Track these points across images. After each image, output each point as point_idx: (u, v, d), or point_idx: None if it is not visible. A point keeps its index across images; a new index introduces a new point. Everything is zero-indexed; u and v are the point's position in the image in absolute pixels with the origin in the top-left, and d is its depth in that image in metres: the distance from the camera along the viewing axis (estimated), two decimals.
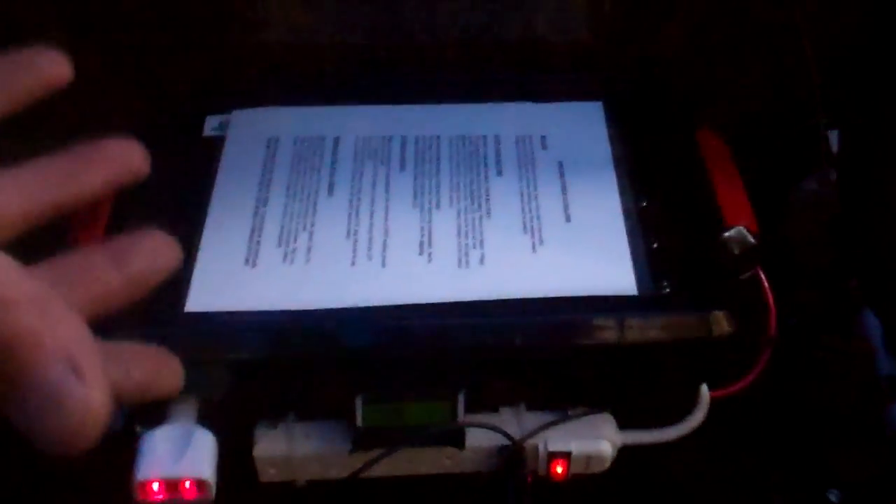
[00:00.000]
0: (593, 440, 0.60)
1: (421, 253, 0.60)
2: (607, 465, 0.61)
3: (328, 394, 0.58)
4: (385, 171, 0.65)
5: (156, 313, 0.56)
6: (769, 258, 0.62)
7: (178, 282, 0.58)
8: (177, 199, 0.64)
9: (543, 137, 0.68)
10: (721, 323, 0.57)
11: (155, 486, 0.55)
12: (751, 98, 0.70)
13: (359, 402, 0.57)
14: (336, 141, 0.67)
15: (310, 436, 0.59)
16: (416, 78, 0.72)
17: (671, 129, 0.68)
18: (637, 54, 0.71)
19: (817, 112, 0.66)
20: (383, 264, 0.60)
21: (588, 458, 0.60)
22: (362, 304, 0.57)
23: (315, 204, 0.63)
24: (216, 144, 0.67)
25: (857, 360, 0.64)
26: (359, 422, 0.57)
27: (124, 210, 0.63)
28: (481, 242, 0.61)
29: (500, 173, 0.65)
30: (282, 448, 0.59)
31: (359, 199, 0.63)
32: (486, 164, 0.66)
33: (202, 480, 0.55)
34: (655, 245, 0.61)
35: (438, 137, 0.68)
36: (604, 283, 0.59)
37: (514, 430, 0.60)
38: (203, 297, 0.58)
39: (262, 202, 0.63)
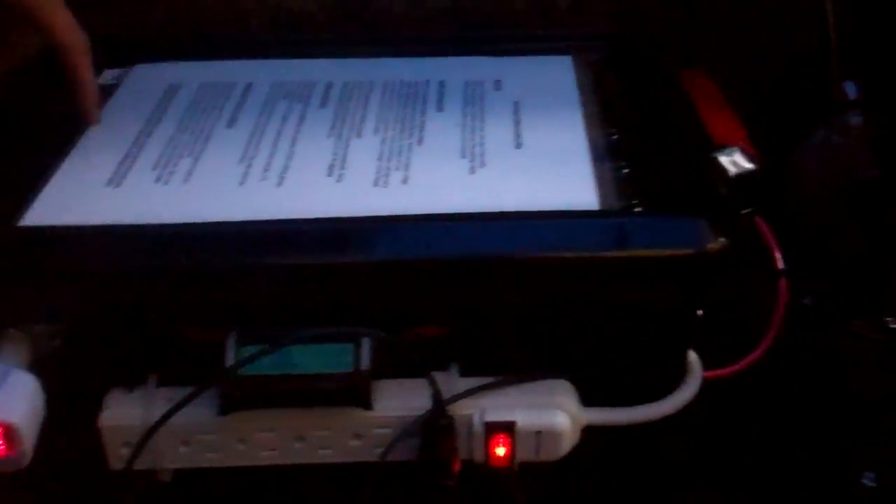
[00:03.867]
0: (546, 410, 0.46)
1: (330, 174, 0.48)
2: (565, 448, 0.46)
3: (196, 334, 0.45)
4: (301, 108, 0.54)
5: None
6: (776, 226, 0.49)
7: (22, 198, 0.47)
8: (44, 130, 0.53)
9: (498, 81, 0.57)
10: (704, 232, 0.43)
11: None
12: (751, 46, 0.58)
13: (231, 341, 0.43)
14: (248, 87, 0.56)
15: (174, 401, 0.45)
16: (355, 35, 0.62)
17: (650, 74, 0.57)
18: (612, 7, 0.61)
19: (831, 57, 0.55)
20: (279, 184, 0.48)
21: (539, 437, 0.45)
22: (241, 217, 0.45)
23: (209, 136, 0.52)
24: (109, 92, 0.57)
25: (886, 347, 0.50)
26: (229, 361, 0.43)
27: None
28: (406, 165, 0.49)
29: (440, 109, 0.54)
30: (136, 417, 0.45)
31: (262, 132, 0.52)
32: (424, 102, 0.54)
33: (10, 426, 0.41)
34: (626, 170, 0.48)
35: (371, 82, 0.57)
36: (558, 199, 0.46)
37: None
38: (45, 212, 0.46)
39: (146, 134, 0.52)
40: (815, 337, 0.52)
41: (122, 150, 0.50)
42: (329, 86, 0.56)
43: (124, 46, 0.60)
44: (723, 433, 0.48)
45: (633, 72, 0.57)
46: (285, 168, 0.48)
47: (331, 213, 0.45)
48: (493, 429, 0.45)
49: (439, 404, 0.43)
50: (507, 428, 0.45)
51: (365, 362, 0.44)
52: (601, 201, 0.46)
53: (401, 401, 0.45)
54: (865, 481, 0.45)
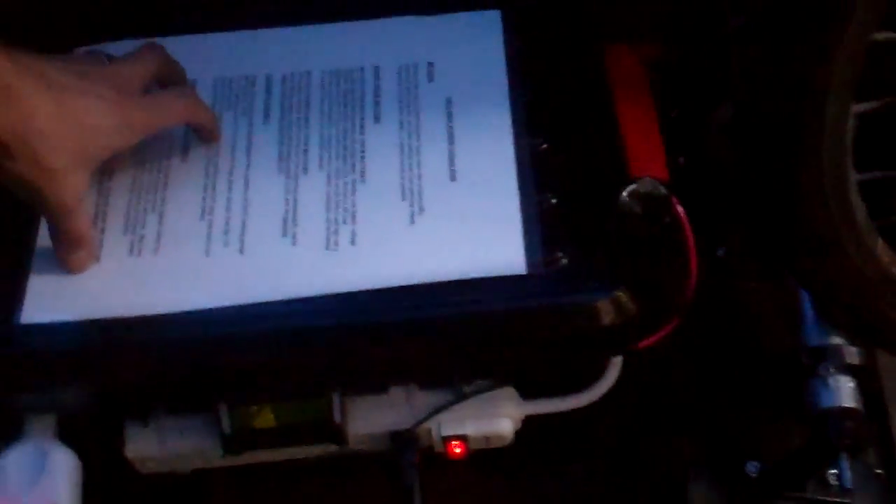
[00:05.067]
0: (491, 420, 0.56)
1: (285, 234, 0.53)
2: (509, 440, 0.57)
3: (193, 398, 0.54)
4: (247, 123, 0.57)
5: None
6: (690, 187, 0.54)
7: (11, 291, 0.52)
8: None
9: (430, 64, 0.59)
10: (621, 305, 0.50)
11: None
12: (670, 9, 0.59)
13: (223, 409, 0.52)
14: (192, 84, 0.58)
15: (183, 432, 0.55)
16: None
17: (577, 47, 0.58)
18: None
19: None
20: (241, 251, 0.53)
21: (487, 438, 0.56)
22: (216, 304, 0.51)
23: (167, 173, 0.56)
24: None
25: (784, 296, 0.57)
26: (226, 429, 0.53)
27: None
28: (353, 216, 0.53)
29: (377, 119, 0.57)
30: (154, 446, 0.55)
31: (216, 166, 0.56)
32: (362, 107, 0.57)
33: None
34: (554, 200, 0.53)
35: (309, 73, 0.59)
36: (489, 260, 0.51)
37: (405, 412, 0.55)
38: (40, 305, 0.52)
39: (105, 173, 0.56)
40: (727, 288, 0.60)
41: (88, 201, 0.54)
42: (269, 83, 0.58)
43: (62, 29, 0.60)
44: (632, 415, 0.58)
45: (560, 43, 0.58)
46: (244, 227, 0.53)
47: (291, 292, 0.51)
48: (449, 439, 0.55)
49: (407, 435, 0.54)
50: (461, 438, 0.55)
51: (337, 414, 0.53)
52: (528, 259, 0.51)
53: (370, 423, 0.55)
54: (750, 469, 0.55)
